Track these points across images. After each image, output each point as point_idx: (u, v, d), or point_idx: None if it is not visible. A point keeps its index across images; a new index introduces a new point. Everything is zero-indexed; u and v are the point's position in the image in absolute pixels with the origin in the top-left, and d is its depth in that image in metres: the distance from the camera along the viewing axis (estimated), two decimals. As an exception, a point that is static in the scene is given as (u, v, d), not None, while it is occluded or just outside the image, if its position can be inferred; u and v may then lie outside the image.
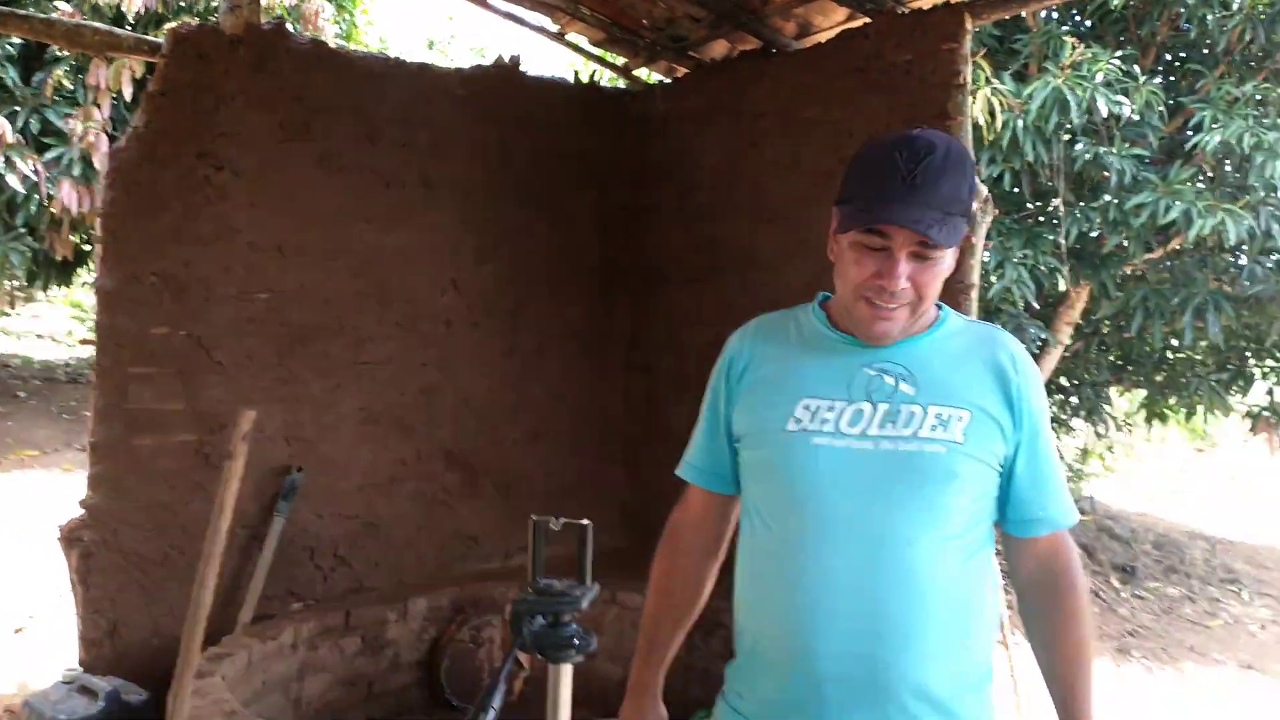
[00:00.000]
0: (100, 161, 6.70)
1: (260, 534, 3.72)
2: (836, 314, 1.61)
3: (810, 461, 1.50)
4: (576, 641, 1.19)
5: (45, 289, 11.23)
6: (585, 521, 1.23)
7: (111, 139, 6.81)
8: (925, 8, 3.56)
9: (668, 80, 4.84)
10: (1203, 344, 6.31)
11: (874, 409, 1.50)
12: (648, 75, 5.06)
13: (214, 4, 7.73)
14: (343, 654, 3.70)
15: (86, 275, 10.44)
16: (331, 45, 4.09)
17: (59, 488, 6.84)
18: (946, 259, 1.49)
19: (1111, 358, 7.04)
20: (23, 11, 4.36)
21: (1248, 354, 6.46)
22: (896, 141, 1.45)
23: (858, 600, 1.46)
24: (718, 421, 1.67)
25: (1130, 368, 7.01)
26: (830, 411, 1.51)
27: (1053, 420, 7.65)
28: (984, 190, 3.42)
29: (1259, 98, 5.17)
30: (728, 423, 1.65)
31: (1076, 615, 1.58)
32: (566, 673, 1.25)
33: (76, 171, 7.08)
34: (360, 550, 4.04)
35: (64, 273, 9.66)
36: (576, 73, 5.09)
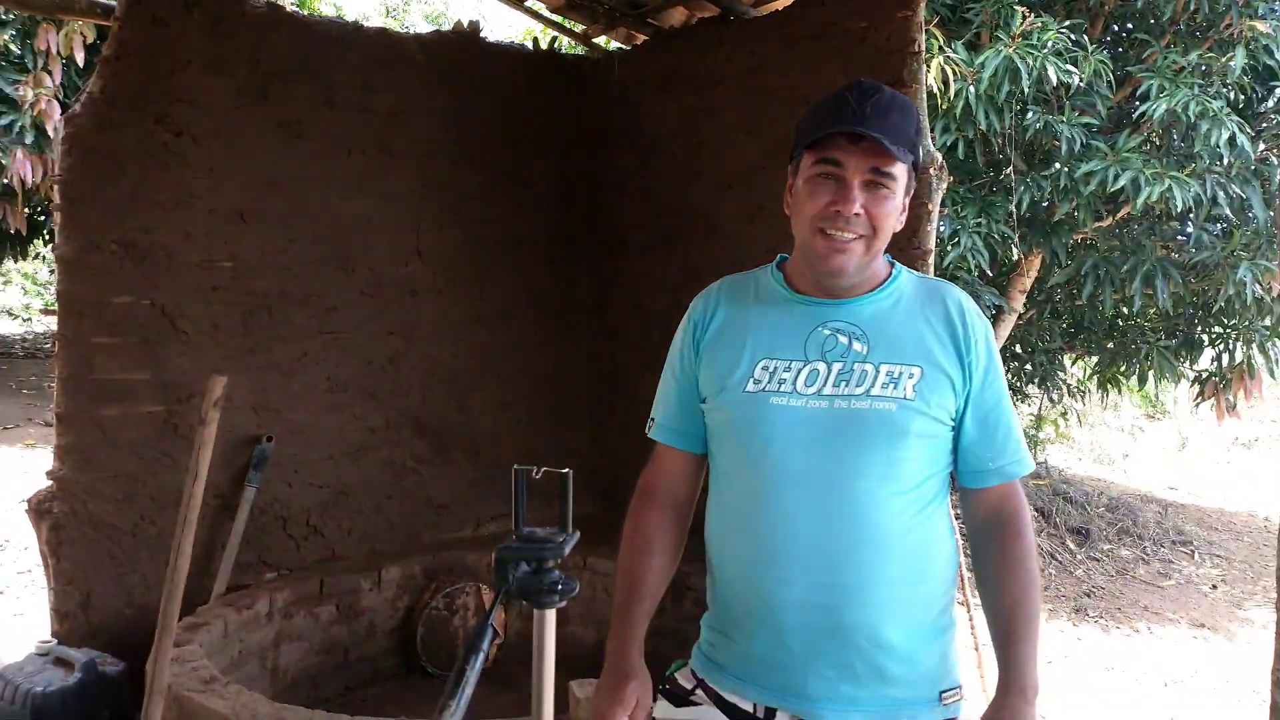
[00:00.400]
0: (53, 129, 6.58)
1: (231, 503, 3.74)
2: (793, 274, 1.67)
3: (769, 421, 1.56)
4: (560, 587, 1.24)
5: (-1, 262, 11.04)
6: (566, 470, 1.28)
7: (64, 106, 6.69)
8: (881, -25, 3.62)
9: (627, 47, 4.86)
10: (1152, 311, 6.45)
11: (828, 368, 1.56)
12: (606, 42, 5.07)
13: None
14: (318, 622, 3.74)
15: (41, 247, 10.24)
16: (287, 9, 4.05)
17: (22, 463, 6.76)
18: (897, 196, 1.55)
19: (1064, 325, 7.16)
20: (-30, -25, 4.27)
21: (1195, 321, 6.61)
22: (844, 87, 1.54)
23: (815, 554, 1.53)
24: (686, 381, 1.71)
25: (1082, 335, 7.15)
26: (787, 372, 1.57)
27: (1008, 387, 7.82)
28: (939, 157, 3.49)
29: (1203, 67, 5.28)
30: (695, 382, 1.70)
31: (1020, 561, 1.62)
32: (550, 619, 1.31)
33: (29, 140, 6.94)
34: (332, 519, 4.07)
35: (19, 244, 9.48)
36: (535, 39, 5.09)
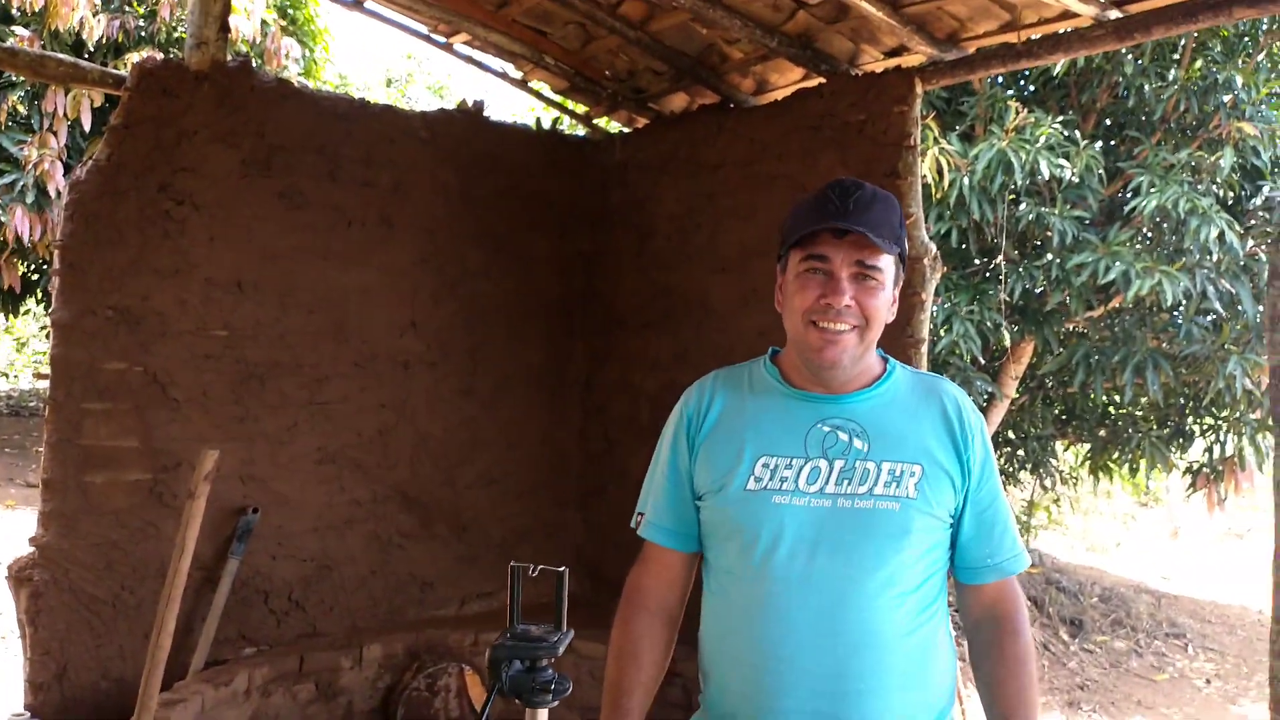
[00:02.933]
0: (55, 189, 6.64)
1: (214, 576, 3.67)
2: (788, 368, 1.66)
3: (772, 520, 1.54)
4: (553, 686, 1.22)
5: (-9, 318, 11.02)
6: (562, 569, 1.27)
7: (67, 167, 6.76)
8: (877, 71, 3.70)
9: (628, 130, 4.94)
10: (1143, 400, 6.47)
11: (830, 466, 1.55)
12: (607, 123, 5.15)
13: (176, 35, 7.73)
14: (296, 701, 3.65)
15: (33, 305, 10.23)
16: (295, 84, 4.11)
17: (3, 525, 6.65)
18: (886, 288, 1.57)
19: (1056, 412, 7.18)
20: (-16, 42, 4.34)
21: (1187, 411, 6.64)
22: (827, 185, 1.58)
23: (819, 658, 1.50)
24: (679, 478, 1.67)
25: (1074, 422, 7.16)
26: (789, 469, 1.55)
27: (1000, 472, 7.79)
28: (933, 248, 3.53)
29: (1193, 164, 5.38)
30: (690, 479, 1.66)
31: (1019, 662, 1.60)
32: (543, 717, 1.28)
33: (29, 199, 6.98)
34: (314, 593, 3.99)
35: (12, 302, 9.47)
36: (538, 119, 5.17)
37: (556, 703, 1.25)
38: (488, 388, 4.56)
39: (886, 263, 1.56)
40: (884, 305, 1.58)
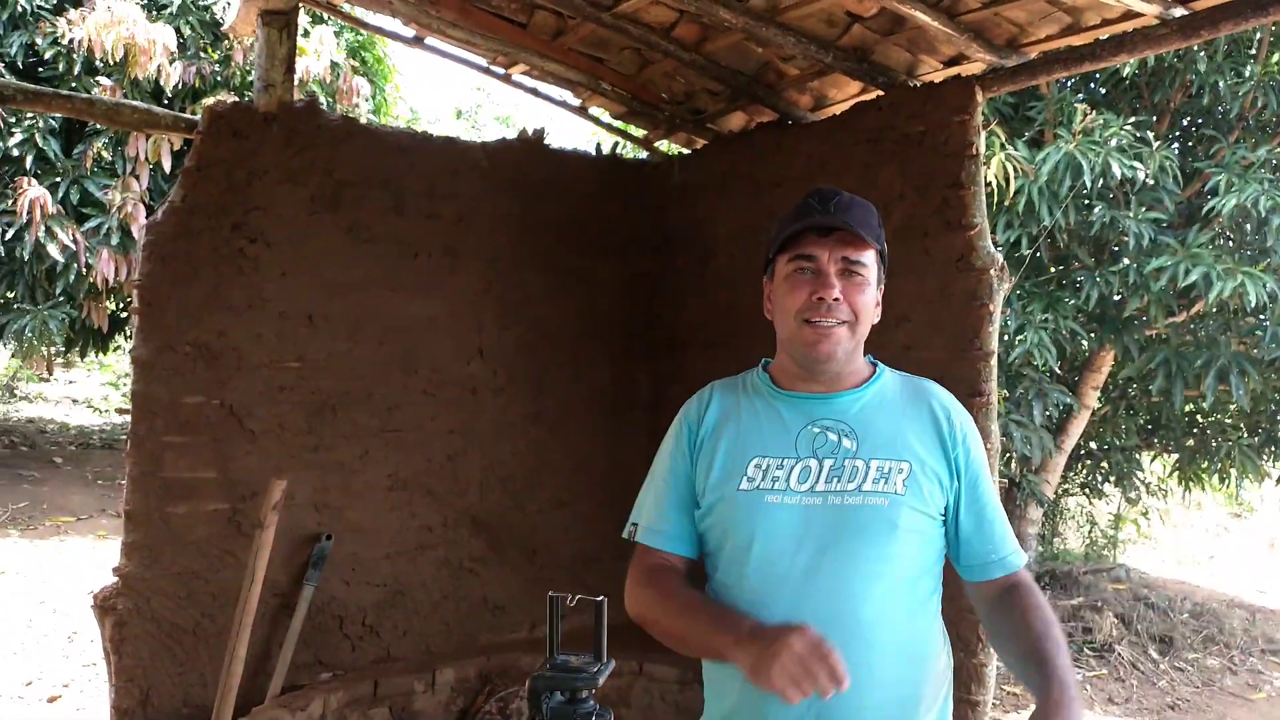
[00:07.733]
0: (138, 231, 6.91)
1: (290, 602, 3.75)
2: (779, 374, 1.73)
3: (764, 519, 1.58)
4: (594, 717, 1.21)
5: (82, 356, 11.48)
6: (600, 598, 1.26)
7: (149, 209, 7.03)
8: (936, 81, 3.64)
9: (687, 151, 4.94)
10: (1232, 407, 6.26)
11: (820, 465, 1.60)
12: (667, 146, 5.17)
13: (250, 78, 8.00)
14: (370, 724, 3.71)
15: (122, 342, 10.66)
16: (363, 121, 4.21)
17: (94, 554, 6.90)
18: (871, 285, 1.63)
19: (1141, 421, 6.98)
20: (65, 92, 4.53)
21: (1279, 418, 6.39)
22: (806, 194, 1.67)
23: None
24: (679, 483, 1.73)
25: (1160, 432, 6.95)
26: (780, 469, 1.60)
27: (1083, 485, 7.59)
28: (999, 258, 3.46)
29: (1274, 161, 5.21)
30: (690, 484, 1.72)
31: (1039, 607, 1.57)
32: (584, 748, 1.27)
33: (115, 241, 7.28)
34: (388, 619, 4.05)
35: (101, 340, 9.86)
36: (599, 144, 5.21)
37: (597, 734, 1.24)
38: (554, 412, 4.59)
39: (870, 258, 1.62)
40: (870, 302, 1.64)
